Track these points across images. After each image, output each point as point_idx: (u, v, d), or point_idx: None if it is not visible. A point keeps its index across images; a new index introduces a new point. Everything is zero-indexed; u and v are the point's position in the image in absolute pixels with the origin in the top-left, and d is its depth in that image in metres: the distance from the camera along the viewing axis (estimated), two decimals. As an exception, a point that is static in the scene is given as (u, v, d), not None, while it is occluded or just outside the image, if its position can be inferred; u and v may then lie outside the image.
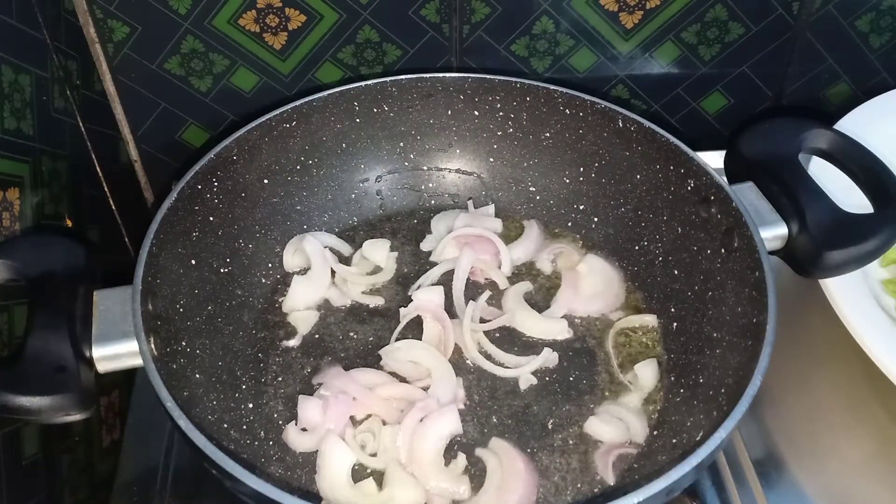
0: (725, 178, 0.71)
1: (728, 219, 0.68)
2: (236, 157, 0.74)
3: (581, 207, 0.83)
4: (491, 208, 0.84)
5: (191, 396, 0.63)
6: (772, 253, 0.67)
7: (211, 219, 0.72)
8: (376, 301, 0.77)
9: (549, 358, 0.72)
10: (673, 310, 0.74)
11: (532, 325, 0.75)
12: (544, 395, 0.71)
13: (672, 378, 0.70)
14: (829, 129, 0.73)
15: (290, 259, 0.79)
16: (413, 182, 0.86)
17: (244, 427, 0.67)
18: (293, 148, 0.79)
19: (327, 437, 0.65)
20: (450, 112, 0.83)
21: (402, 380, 0.70)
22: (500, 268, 0.80)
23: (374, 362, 0.72)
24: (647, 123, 0.74)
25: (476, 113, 0.82)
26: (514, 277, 0.79)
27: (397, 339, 0.73)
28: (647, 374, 0.71)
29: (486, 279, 0.79)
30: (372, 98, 0.80)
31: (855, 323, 0.69)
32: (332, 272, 0.78)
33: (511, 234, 0.83)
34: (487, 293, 0.77)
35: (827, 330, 0.72)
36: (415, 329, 0.74)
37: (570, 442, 0.67)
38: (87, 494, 0.71)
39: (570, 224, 0.83)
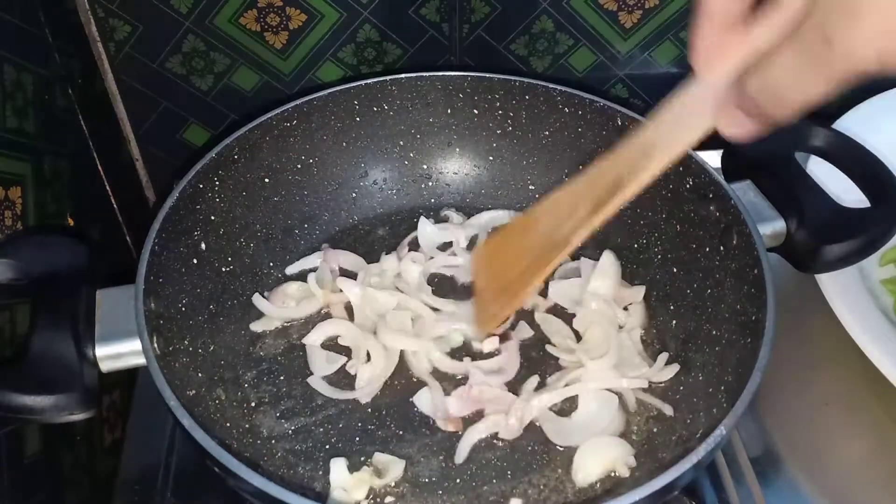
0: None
1: (727, 216, 0.68)
2: (237, 156, 0.74)
3: (580, 206, 0.83)
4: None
5: (194, 395, 0.63)
6: (771, 250, 0.67)
7: (212, 218, 0.72)
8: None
9: None
10: (672, 308, 0.74)
11: None
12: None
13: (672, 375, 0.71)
14: (824, 127, 0.73)
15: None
16: (413, 181, 0.86)
17: (247, 425, 0.67)
18: (294, 147, 0.79)
19: None
20: (449, 111, 0.83)
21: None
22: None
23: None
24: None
25: (475, 111, 0.83)
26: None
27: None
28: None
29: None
30: (372, 97, 0.80)
31: (852, 323, 0.69)
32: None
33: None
34: None
35: (825, 330, 0.73)
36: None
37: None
38: (89, 493, 0.71)
39: (569, 222, 0.83)
